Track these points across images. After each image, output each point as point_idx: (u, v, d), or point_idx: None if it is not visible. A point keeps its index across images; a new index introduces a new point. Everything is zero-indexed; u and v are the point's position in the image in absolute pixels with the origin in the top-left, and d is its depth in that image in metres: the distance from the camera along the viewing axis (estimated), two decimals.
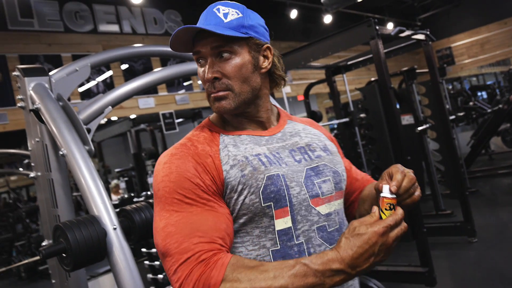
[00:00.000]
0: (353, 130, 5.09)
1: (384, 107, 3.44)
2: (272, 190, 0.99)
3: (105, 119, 6.34)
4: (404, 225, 0.88)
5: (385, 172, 0.98)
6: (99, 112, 1.75)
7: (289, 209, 1.00)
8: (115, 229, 1.51)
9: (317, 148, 1.14)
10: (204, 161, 0.99)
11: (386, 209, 0.89)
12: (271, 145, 1.09)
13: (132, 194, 5.13)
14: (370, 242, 0.84)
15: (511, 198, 5.99)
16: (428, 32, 4.32)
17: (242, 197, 0.98)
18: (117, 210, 1.62)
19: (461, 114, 8.00)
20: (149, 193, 3.96)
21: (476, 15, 11.02)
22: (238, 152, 1.03)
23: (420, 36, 4.29)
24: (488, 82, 15.48)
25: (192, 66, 2.01)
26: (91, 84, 5.66)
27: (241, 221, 1.00)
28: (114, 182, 6.92)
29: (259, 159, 1.02)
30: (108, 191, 6.64)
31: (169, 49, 2.21)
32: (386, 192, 0.91)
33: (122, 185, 5.85)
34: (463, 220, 4.45)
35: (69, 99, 5.00)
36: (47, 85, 1.73)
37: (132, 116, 5.47)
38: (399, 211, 0.89)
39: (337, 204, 1.10)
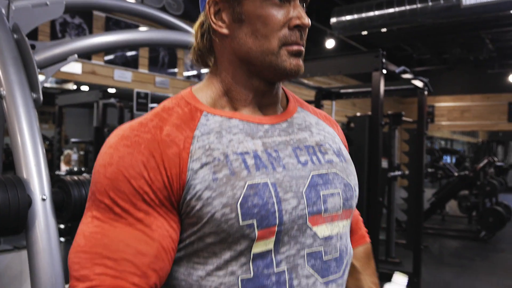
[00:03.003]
0: None
1: (370, 142, 3.27)
2: (256, 203, 0.71)
3: (75, 86, 5.92)
4: None
5: None
6: (61, 58, 1.45)
7: (276, 229, 0.72)
8: (44, 200, 1.21)
9: (329, 150, 0.85)
10: (164, 152, 0.71)
11: None
12: (270, 138, 0.80)
13: (83, 169, 4.73)
14: None
15: (456, 260, 6.22)
16: (427, 81, 4.23)
17: (210, 209, 0.70)
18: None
19: (431, 170, 8.12)
20: None
21: (464, 83, 11.28)
22: (219, 145, 0.75)
23: (419, 83, 4.19)
24: (455, 148, 15.91)
25: (182, 37, 1.72)
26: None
27: (209, 240, 0.73)
28: (67, 151, 6.48)
29: (244, 160, 0.74)
30: (59, 160, 6.20)
31: (164, 16, 1.93)
32: (394, 285, 0.61)
33: (75, 156, 5.42)
34: (412, 272, 4.49)
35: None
36: (3, 10, 1.42)
37: (105, 83, 5.03)
38: None
39: (342, 226, 0.82)
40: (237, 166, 0.73)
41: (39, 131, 1.30)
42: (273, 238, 0.72)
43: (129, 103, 5.25)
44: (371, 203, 3.29)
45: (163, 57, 5.04)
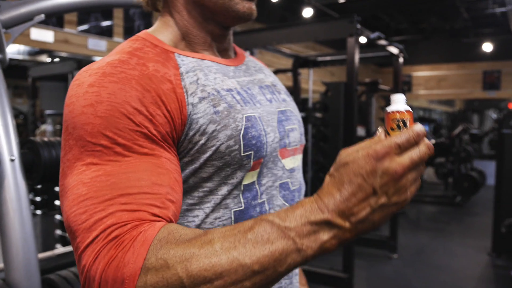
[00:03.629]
0: (306, 127, 4.96)
1: (346, 108, 3.30)
2: (254, 135, 0.72)
3: (49, 59, 5.76)
4: (425, 147, 0.54)
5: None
6: (27, 18, 1.41)
7: (262, 160, 0.74)
8: (12, 160, 1.20)
9: (282, 90, 0.90)
10: (159, 88, 0.65)
11: (393, 129, 0.57)
12: (240, 78, 0.81)
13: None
14: (362, 171, 0.53)
15: (432, 224, 6.50)
16: (402, 48, 4.25)
17: (215, 143, 0.68)
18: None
19: None
20: None
21: (440, 52, 11.38)
22: (207, 82, 0.73)
23: (394, 50, 4.21)
24: (432, 117, 16.17)
25: None
26: None
27: (205, 175, 0.71)
28: (42, 127, 6.36)
29: (232, 95, 0.74)
30: (34, 135, 6.08)
31: None
32: (394, 104, 0.58)
33: (50, 128, 5.30)
34: (389, 235, 4.74)
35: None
36: None
37: (78, 52, 4.88)
38: (416, 127, 0.55)
39: (299, 160, 0.88)
40: (230, 100, 0.72)
41: (6, 91, 1.28)
42: (258, 170, 0.74)
43: None
44: None
45: (138, 26, 4.93)
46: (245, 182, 0.73)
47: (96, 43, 4.54)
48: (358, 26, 3.20)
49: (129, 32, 4.85)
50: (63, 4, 1.49)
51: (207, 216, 0.72)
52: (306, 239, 0.53)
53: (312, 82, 4.82)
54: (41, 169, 1.27)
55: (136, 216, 0.57)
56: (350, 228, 0.54)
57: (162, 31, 0.78)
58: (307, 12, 6.50)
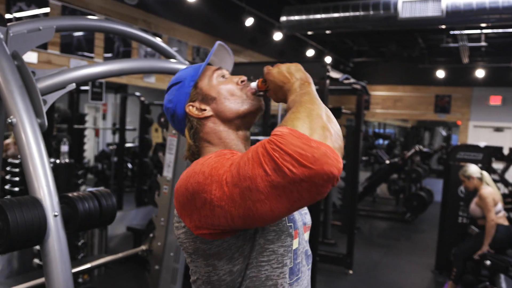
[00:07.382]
0: None
1: None
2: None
3: None
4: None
5: None
6: (61, 86, 1.63)
7: (298, 231, 1.07)
8: (56, 216, 1.42)
9: None
10: None
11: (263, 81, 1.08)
12: None
13: None
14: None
15: (384, 241, 6.98)
16: (365, 85, 4.68)
17: None
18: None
19: (365, 158, 8.75)
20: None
21: (398, 74, 12.04)
22: None
23: (358, 87, 4.63)
24: (387, 130, 16.91)
25: (170, 65, 1.94)
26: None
27: (270, 237, 1.00)
28: None
29: None
30: None
31: (145, 35, 2.10)
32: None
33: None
34: (346, 253, 5.13)
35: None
36: (1, 36, 1.54)
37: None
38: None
39: (309, 234, 1.19)
40: None
41: (46, 154, 1.49)
42: (297, 239, 1.07)
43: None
44: None
45: (118, 47, 5.08)
46: (294, 247, 1.05)
47: (77, 64, 4.65)
48: (329, 69, 3.57)
49: (110, 51, 4.95)
50: (92, 74, 1.73)
51: (273, 269, 1.00)
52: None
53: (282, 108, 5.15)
54: (77, 221, 1.51)
55: None
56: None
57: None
58: (277, 36, 6.83)
